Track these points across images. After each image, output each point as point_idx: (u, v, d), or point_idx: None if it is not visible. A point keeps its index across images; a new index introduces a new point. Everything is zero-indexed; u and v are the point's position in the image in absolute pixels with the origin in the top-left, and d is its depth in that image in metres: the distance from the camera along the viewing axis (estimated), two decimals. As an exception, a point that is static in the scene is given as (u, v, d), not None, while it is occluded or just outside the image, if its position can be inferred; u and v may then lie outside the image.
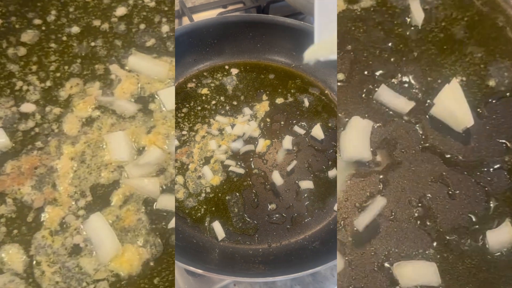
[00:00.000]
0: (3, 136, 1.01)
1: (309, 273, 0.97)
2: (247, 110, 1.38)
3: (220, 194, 1.21)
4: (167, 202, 0.98)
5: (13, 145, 1.02)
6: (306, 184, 1.23)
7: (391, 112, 1.07)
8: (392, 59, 1.12)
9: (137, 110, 1.06)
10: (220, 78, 1.46)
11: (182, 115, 1.36)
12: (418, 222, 0.96)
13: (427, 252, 0.93)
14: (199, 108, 1.38)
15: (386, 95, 1.07)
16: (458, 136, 1.04)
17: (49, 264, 0.92)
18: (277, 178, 1.23)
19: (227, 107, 1.39)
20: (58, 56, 1.11)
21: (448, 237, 0.94)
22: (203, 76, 1.47)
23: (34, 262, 0.92)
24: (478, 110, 1.06)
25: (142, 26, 1.16)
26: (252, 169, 1.26)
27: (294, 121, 1.37)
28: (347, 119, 1.05)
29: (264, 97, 1.42)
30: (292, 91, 1.45)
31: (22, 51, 1.11)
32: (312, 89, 1.46)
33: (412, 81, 1.10)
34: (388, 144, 1.04)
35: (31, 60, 1.10)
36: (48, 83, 1.08)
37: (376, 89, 1.08)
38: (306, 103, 1.41)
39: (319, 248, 1.10)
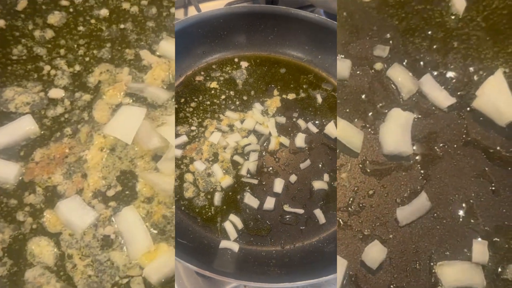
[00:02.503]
0: (31, 123, 0.98)
1: (327, 279, 0.94)
2: (258, 106, 1.34)
3: (231, 193, 1.17)
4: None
5: (42, 132, 0.99)
6: (320, 185, 1.20)
7: (431, 104, 1.03)
8: (431, 49, 1.09)
9: (169, 97, 1.02)
10: (230, 71, 1.42)
11: (191, 109, 1.31)
12: (461, 219, 0.93)
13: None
14: (208, 102, 1.33)
15: (428, 86, 1.03)
16: (501, 130, 1.00)
17: (81, 257, 0.90)
18: (278, 185, 1.19)
19: (237, 102, 1.34)
20: (87, 40, 1.07)
21: (493, 236, 0.91)
22: (211, 69, 1.42)
23: (66, 254, 0.89)
24: (522, 103, 1.02)
25: (173, 10, 1.11)
26: (263, 168, 1.22)
27: (307, 118, 1.33)
28: (386, 110, 1.02)
29: (276, 92, 1.38)
30: (304, 86, 1.40)
31: (49, 33, 1.07)
32: (325, 84, 1.41)
33: (453, 72, 1.06)
34: (429, 138, 1.00)
35: (59, 43, 1.07)
36: (77, 68, 1.05)
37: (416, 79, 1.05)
38: (319, 99, 1.37)
39: (334, 250, 1.07)
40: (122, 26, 1.09)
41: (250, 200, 1.15)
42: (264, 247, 1.10)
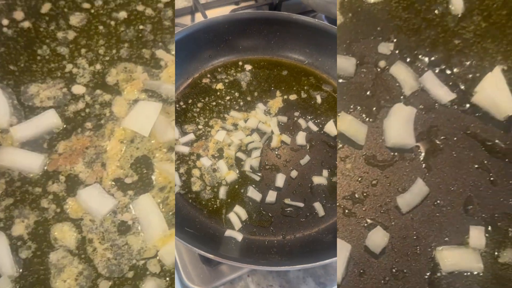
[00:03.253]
0: (55, 117, 1.04)
1: (325, 263, 0.99)
2: (261, 106, 1.40)
3: (236, 187, 1.24)
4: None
5: (64, 125, 1.05)
6: (319, 180, 1.25)
7: (432, 99, 1.08)
8: (433, 48, 1.13)
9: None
10: (234, 74, 1.49)
11: (198, 110, 1.38)
12: (461, 208, 0.97)
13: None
14: (214, 103, 1.41)
15: (430, 82, 1.08)
16: (499, 124, 1.05)
17: (101, 241, 0.95)
18: (280, 180, 1.25)
19: (241, 103, 1.41)
20: (106, 40, 1.14)
21: (490, 223, 0.95)
22: (217, 72, 1.49)
23: (87, 239, 0.95)
24: (520, 98, 1.07)
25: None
26: (266, 164, 1.28)
27: (307, 117, 1.39)
28: (389, 105, 1.07)
29: (278, 93, 1.44)
30: (305, 87, 1.47)
31: (71, 34, 1.14)
32: (325, 86, 1.48)
33: (454, 69, 1.11)
34: (430, 131, 1.05)
35: (80, 43, 1.13)
36: (97, 67, 1.11)
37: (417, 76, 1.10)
38: (319, 100, 1.43)
39: (333, 240, 1.12)
40: (141, 26, 1.15)
41: (253, 193, 1.21)
42: (266, 237, 1.16)
